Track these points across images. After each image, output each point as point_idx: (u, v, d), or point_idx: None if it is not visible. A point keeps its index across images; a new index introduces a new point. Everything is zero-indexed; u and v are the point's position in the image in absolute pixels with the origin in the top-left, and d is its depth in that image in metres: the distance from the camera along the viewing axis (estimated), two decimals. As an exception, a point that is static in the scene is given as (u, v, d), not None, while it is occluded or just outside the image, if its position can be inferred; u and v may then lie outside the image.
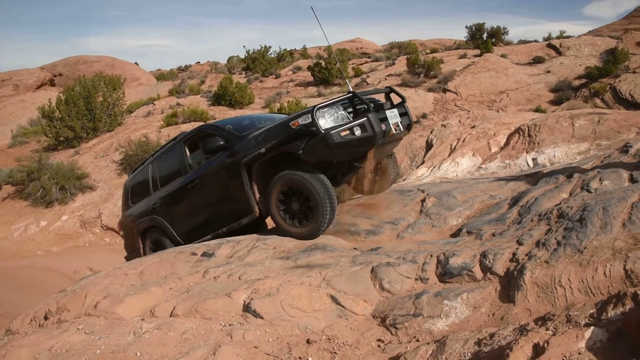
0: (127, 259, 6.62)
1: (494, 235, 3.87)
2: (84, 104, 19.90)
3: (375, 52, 36.97)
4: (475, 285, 3.16)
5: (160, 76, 39.29)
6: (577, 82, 19.88)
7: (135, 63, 40.75)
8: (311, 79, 27.03)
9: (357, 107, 4.67)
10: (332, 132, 4.31)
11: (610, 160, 4.98)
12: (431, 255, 3.56)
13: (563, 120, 8.22)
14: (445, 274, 3.34)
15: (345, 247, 4.45)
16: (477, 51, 26.87)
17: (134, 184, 6.62)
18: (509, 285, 2.99)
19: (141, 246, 6.33)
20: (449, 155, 9.10)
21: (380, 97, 5.27)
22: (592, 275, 2.73)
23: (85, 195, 13.84)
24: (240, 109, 21.98)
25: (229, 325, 3.16)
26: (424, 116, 19.48)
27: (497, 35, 30.88)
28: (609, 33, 30.83)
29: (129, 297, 3.64)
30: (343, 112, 4.58)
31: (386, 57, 31.35)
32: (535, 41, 29.74)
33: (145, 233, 6.27)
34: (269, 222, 5.60)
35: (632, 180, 4.09)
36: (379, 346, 2.85)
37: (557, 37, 29.26)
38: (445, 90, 21.42)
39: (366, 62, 31.28)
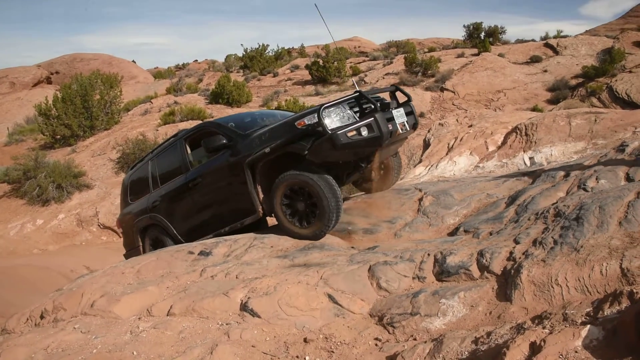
0: (127, 256, 6.57)
1: (491, 234, 3.87)
2: (80, 102, 19.82)
3: (373, 51, 36.96)
4: (472, 284, 3.16)
5: (158, 74, 39.19)
6: (574, 82, 19.94)
7: (133, 61, 40.65)
8: (309, 77, 27.02)
9: (364, 107, 4.60)
10: (339, 132, 4.22)
11: (607, 159, 5.00)
12: (428, 254, 3.56)
13: (560, 119, 8.24)
14: (443, 272, 3.34)
15: (342, 246, 4.45)
16: (475, 50, 26.91)
17: (132, 181, 6.55)
18: (506, 284, 3.00)
19: (140, 244, 6.27)
20: (447, 154, 9.11)
21: (384, 95, 5.20)
22: (589, 273, 2.74)
23: (82, 193, 13.81)
24: (238, 107, 21.95)
25: (226, 324, 3.16)
26: (422, 115, 19.49)
27: (494, 35, 30.92)
28: (605, 33, 30.93)
29: (126, 296, 3.63)
30: (349, 111, 4.50)
31: (384, 56, 31.35)
32: (533, 40, 29.83)
33: (144, 231, 6.21)
34: (270, 221, 5.59)
35: (629, 179, 4.11)
36: (376, 345, 2.85)
37: (554, 37, 29.33)
38: (442, 89, 21.44)
39: (364, 61, 31.28)
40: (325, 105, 4.39)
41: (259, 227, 5.47)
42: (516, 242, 3.41)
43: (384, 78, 24.40)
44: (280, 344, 2.94)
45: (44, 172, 13.57)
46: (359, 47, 43.64)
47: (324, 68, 25.95)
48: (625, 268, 2.66)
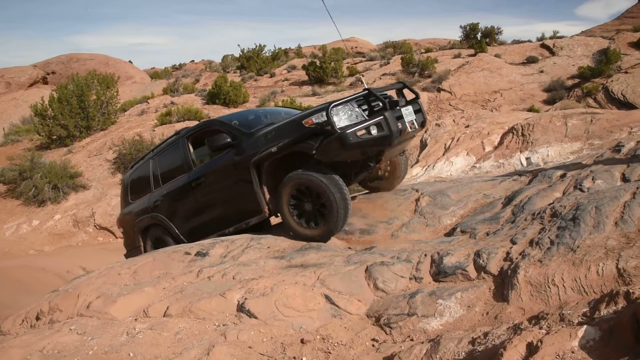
0: (127, 257, 6.49)
1: (487, 234, 3.88)
2: (77, 103, 19.75)
3: (370, 51, 36.97)
4: (469, 284, 3.17)
5: (155, 74, 39.10)
6: (570, 82, 20.00)
7: (129, 61, 40.57)
8: (306, 78, 27.00)
9: (372, 105, 4.51)
10: (348, 131, 4.12)
11: (603, 160, 5.01)
12: (425, 255, 3.56)
13: (556, 119, 8.27)
14: (440, 273, 3.34)
15: (339, 247, 4.45)
16: (472, 51, 26.97)
17: (133, 180, 6.43)
18: (503, 284, 3.00)
19: (142, 244, 6.18)
20: (443, 154, 9.13)
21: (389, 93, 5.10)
22: (585, 274, 2.74)
23: (78, 194, 13.76)
24: (235, 107, 21.92)
25: (223, 325, 3.15)
26: (419, 115, 19.47)
27: (491, 35, 31.01)
28: (601, 33, 31.06)
29: (122, 297, 3.62)
30: (358, 109, 4.41)
31: (381, 56, 31.37)
32: (529, 41, 29.91)
33: (146, 231, 6.10)
34: (272, 220, 5.56)
35: (624, 179, 4.12)
36: (373, 345, 2.85)
37: (551, 37, 29.43)
38: (439, 90, 21.47)
39: (361, 62, 31.30)
40: (334, 104, 4.28)
41: (263, 227, 5.43)
42: (513, 242, 3.42)
43: (380, 78, 24.42)
44: (277, 345, 2.94)
45: (40, 172, 13.52)
46: (355, 47, 43.67)
47: (321, 68, 25.94)
48: (622, 268, 2.66)
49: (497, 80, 21.32)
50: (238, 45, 42.31)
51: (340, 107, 4.30)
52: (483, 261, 3.25)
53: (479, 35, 31.13)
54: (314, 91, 23.85)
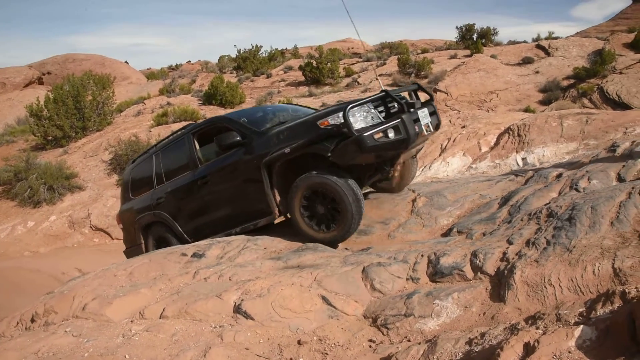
0: (127, 253, 6.43)
1: (484, 234, 3.88)
2: (72, 103, 19.66)
3: (366, 52, 37.01)
4: (466, 284, 3.17)
5: (151, 75, 39.02)
6: (565, 83, 20.06)
7: (125, 62, 40.42)
8: (302, 78, 27.00)
9: (389, 106, 4.42)
10: (365, 134, 4.01)
11: (599, 160, 5.03)
12: (422, 255, 3.56)
13: (552, 120, 8.30)
14: (436, 273, 3.35)
15: (336, 247, 4.44)
16: (468, 51, 27.02)
17: (134, 176, 6.26)
18: (500, 285, 3.00)
19: (143, 242, 6.05)
20: (440, 155, 9.14)
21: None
22: (581, 274, 2.75)
23: (74, 195, 13.71)
24: (231, 108, 21.89)
25: (220, 326, 3.14)
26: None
27: (487, 36, 31.07)
28: (596, 34, 31.22)
29: (118, 298, 3.60)
30: (374, 111, 4.31)
31: (377, 57, 31.40)
32: (525, 42, 29.98)
33: (147, 228, 5.97)
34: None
35: (620, 179, 4.14)
36: (370, 346, 2.85)
37: (546, 38, 29.51)
38: (435, 90, 21.49)
39: (357, 62, 31.32)
40: (352, 105, 4.17)
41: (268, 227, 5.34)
42: (509, 242, 3.42)
43: (377, 79, 24.44)
44: (274, 346, 2.93)
45: (35, 173, 13.47)
46: (352, 48, 43.71)
47: (318, 69, 25.94)
48: (618, 268, 2.67)
49: (493, 81, 21.37)
50: (234, 45, 42.39)
51: (356, 108, 4.19)
52: (480, 261, 3.26)
53: (475, 36, 31.19)
54: (311, 92, 23.85)
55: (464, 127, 10.12)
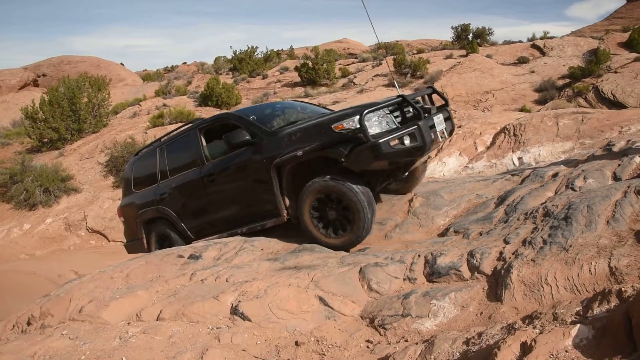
0: (127, 247, 6.41)
1: (481, 234, 3.89)
2: (68, 105, 19.58)
3: (362, 52, 37.04)
4: (463, 284, 3.17)
5: (146, 77, 38.89)
6: (560, 82, 20.14)
7: (121, 63, 40.30)
8: (298, 79, 26.99)
9: (405, 111, 4.34)
10: (381, 141, 3.92)
11: (594, 159, 5.05)
12: (419, 255, 3.57)
13: (548, 119, 8.33)
14: (433, 273, 3.35)
15: (333, 248, 4.44)
16: (463, 51, 27.09)
17: (137, 169, 6.17)
18: (497, 284, 3.01)
19: (144, 236, 5.99)
20: (436, 154, 9.15)
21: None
22: (578, 273, 2.76)
23: (70, 197, 13.65)
24: (227, 109, 21.87)
25: (217, 328, 3.13)
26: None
27: (482, 36, 31.16)
28: (591, 34, 31.36)
29: (115, 301, 3.59)
30: (390, 116, 4.23)
31: (373, 57, 31.43)
32: (520, 42, 30.07)
33: (149, 223, 5.90)
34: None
35: (616, 178, 4.16)
36: (367, 347, 2.85)
37: (541, 38, 29.60)
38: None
39: (353, 63, 31.34)
40: (368, 110, 4.06)
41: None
42: (506, 242, 3.43)
43: (373, 79, 24.47)
44: (272, 347, 2.93)
45: (31, 176, 13.40)
46: (347, 48, 43.75)
47: (313, 70, 25.94)
48: (614, 267, 2.68)
49: (489, 81, 21.43)
50: (230, 47, 42.31)
51: (372, 113, 4.11)
52: (476, 261, 3.26)
53: (470, 36, 31.27)
54: (307, 92, 23.84)
55: (460, 127, 10.14)
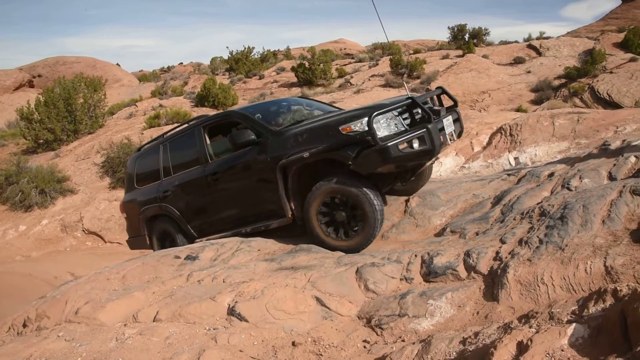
0: (130, 242, 6.40)
1: (477, 234, 3.90)
2: (64, 106, 19.50)
3: (359, 52, 37.08)
4: (459, 284, 3.18)
5: (142, 77, 38.82)
6: (556, 82, 20.21)
7: (117, 64, 40.18)
8: (295, 79, 26.99)
9: (413, 112, 4.26)
10: (390, 144, 3.83)
11: (590, 159, 5.07)
12: (415, 255, 3.57)
13: (544, 119, 8.35)
14: (430, 273, 3.35)
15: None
16: (460, 52, 27.15)
17: (140, 165, 6.12)
18: (493, 284, 3.02)
19: (146, 233, 5.96)
20: (433, 155, 9.16)
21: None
22: (574, 272, 2.77)
23: (66, 198, 13.61)
24: (224, 110, 21.84)
25: (214, 329, 3.13)
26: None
27: (478, 36, 31.23)
28: (586, 34, 31.48)
29: (111, 302, 3.58)
30: (398, 118, 4.15)
31: (369, 57, 31.45)
32: (516, 42, 30.16)
33: (152, 220, 5.87)
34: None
35: (611, 177, 4.17)
36: (364, 347, 2.85)
37: (537, 38, 29.70)
38: (427, 91, 21.57)
39: (350, 63, 31.36)
40: (376, 113, 3.96)
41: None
42: (502, 241, 3.44)
43: (369, 80, 24.49)
44: (269, 348, 2.92)
45: (27, 177, 13.35)
46: (344, 49, 43.77)
47: (310, 70, 25.95)
48: (609, 266, 2.69)
49: (485, 81, 21.49)
50: (227, 47, 42.24)
51: (381, 116, 4.01)
52: (473, 261, 3.27)
53: (466, 36, 31.34)
54: (303, 93, 23.84)
55: (456, 127, 10.16)
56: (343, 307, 3.23)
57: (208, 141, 5.23)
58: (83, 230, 12.58)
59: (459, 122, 4.80)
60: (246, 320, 3.14)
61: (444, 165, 8.63)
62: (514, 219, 3.83)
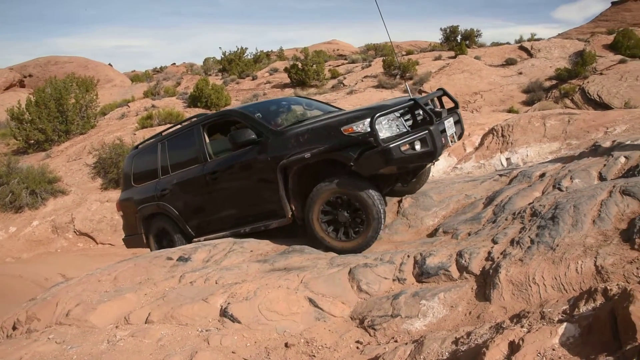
0: (126, 241, 6.34)
1: (469, 234, 3.91)
2: (55, 106, 19.34)
3: (352, 53, 37.13)
4: (451, 284, 3.19)
5: (135, 77, 38.60)
6: (547, 83, 20.37)
7: (109, 64, 39.94)
8: (288, 80, 26.97)
9: (415, 113, 4.25)
10: (392, 145, 3.82)
11: (581, 159, 5.11)
12: (408, 256, 3.58)
13: (535, 120, 8.41)
14: (422, 274, 3.36)
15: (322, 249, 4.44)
16: (452, 53, 27.27)
17: (137, 163, 6.06)
18: (485, 284, 3.03)
19: (143, 231, 5.90)
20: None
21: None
22: (565, 272, 2.79)
23: (57, 199, 13.48)
24: (217, 110, 21.78)
25: (206, 330, 3.12)
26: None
27: (470, 38, 31.39)
28: (577, 36, 31.79)
29: (103, 304, 3.55)
30: (400, 119, 4.14)
31: (362, 58, 31.51)
32: (508, 43, 30.37)
33: (149, 219, 5.82)
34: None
35: (601, 178, 4.21)
36: (357, 348, 2.85)
37: (528, 40, 29.94)
38: (420, 92, 21.63)
39: (342, 64, 31.40)
40: (379, 114, 3.94)
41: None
42: (494, 242, 3.46)
43: (362, 81, 24.54)
44: (261, 349, 2.92)
45: (17, 178, 13.22)
46: (337, 49, 43.82)
47: (303, 71, 25.94)
48: (600, 265, 2.71)
49: (477, 82, 21.60)
50: (220, 48, 42.10)
51: (383, 117, 4.00)
52: (465, 261, 3.28)
53: (459, 38, 31.48)
54: (296, 94, 23.82)
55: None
56: (336, 308, 3.23)
57: (207, 140, 5.20)
58: (74, 232, 12.48)
59: (459, 124, 4.81)
60: (239, 322, 3.13)
61: (437, 166, 8.66)
62: (506, 220, 3.85)
